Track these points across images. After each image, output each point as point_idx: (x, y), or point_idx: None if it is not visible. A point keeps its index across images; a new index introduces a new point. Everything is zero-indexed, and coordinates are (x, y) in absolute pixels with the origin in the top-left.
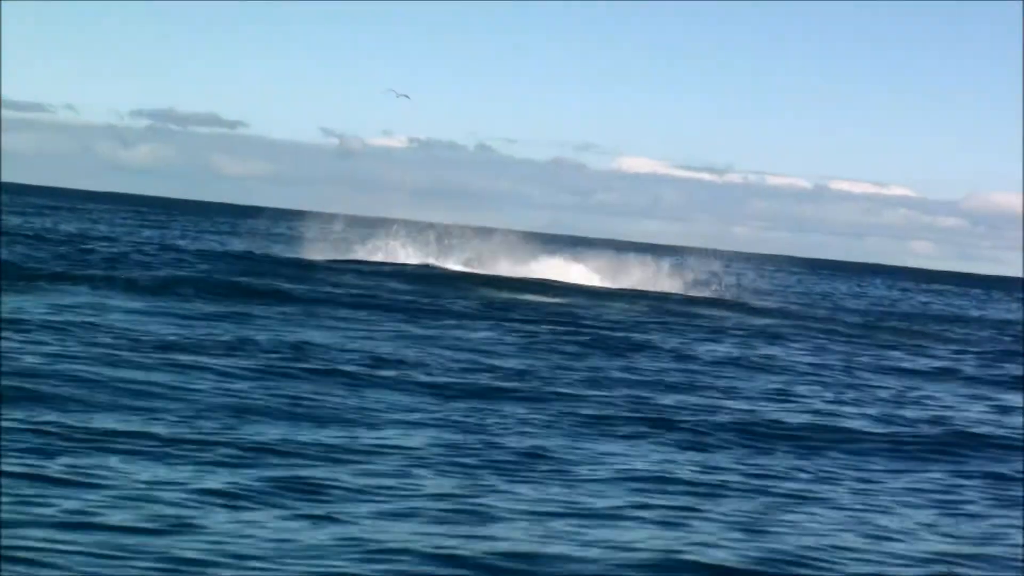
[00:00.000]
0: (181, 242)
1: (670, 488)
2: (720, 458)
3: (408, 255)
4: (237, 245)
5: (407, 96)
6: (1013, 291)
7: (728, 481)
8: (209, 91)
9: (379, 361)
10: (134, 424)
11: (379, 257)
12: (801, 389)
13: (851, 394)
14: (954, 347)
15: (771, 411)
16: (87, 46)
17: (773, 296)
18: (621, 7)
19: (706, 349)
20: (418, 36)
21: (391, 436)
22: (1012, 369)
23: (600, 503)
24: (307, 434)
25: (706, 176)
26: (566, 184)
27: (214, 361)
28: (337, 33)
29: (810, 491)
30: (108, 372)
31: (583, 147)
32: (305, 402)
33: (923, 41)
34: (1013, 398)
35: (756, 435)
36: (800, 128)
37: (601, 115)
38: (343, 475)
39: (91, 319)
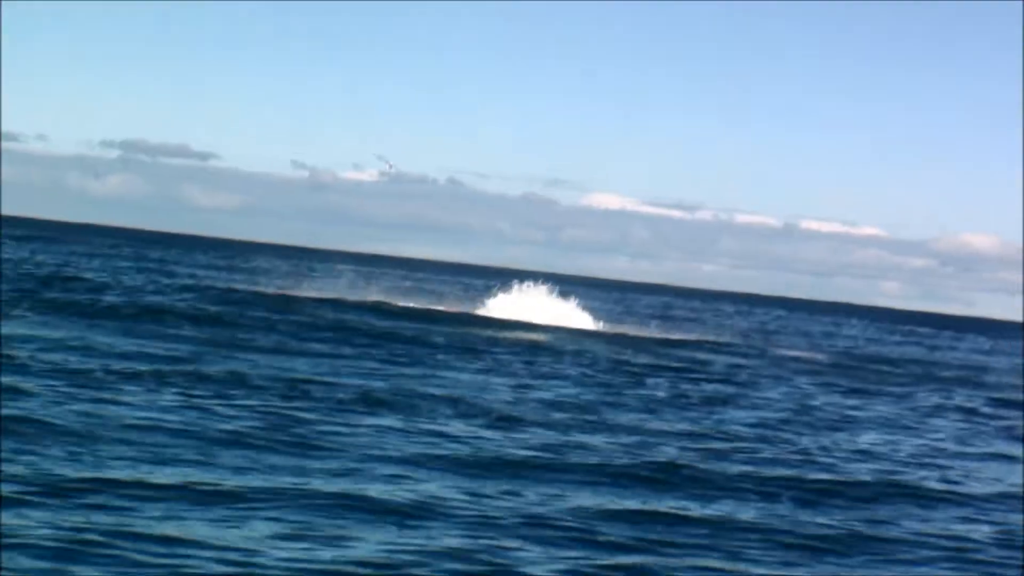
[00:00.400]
0: (159, 275)
1: (689, 540)
2: (734, 506)
3: (379, 291)
4: (216, 277)
5: (394, 169)
6: (986, 332)
7: (749, 529)
8: (180, 122)
9: (375, 401)
10: (144, 471)
11: (355, 294)
12: (791, 431)
13: (841, 435)
14: (949, 393)
15: (772, 458)
16: (58, 75)
17: (752, 336)
18: (593, 44)
19: (698, 391)
20: (389, 69)
21: (403, 482)
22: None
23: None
24: (319, 480)
25: (676, 213)
26: (536, 220)
27: (214, 399)
28: (307, 65)
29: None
30: (112, 411)
31: (553, 183)
32: (312, 445)
33: (893, 82)
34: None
35: (763, 481)
36: (771, 166)
37: (572, 151)
38: (363, 529)
39: (83, 352)
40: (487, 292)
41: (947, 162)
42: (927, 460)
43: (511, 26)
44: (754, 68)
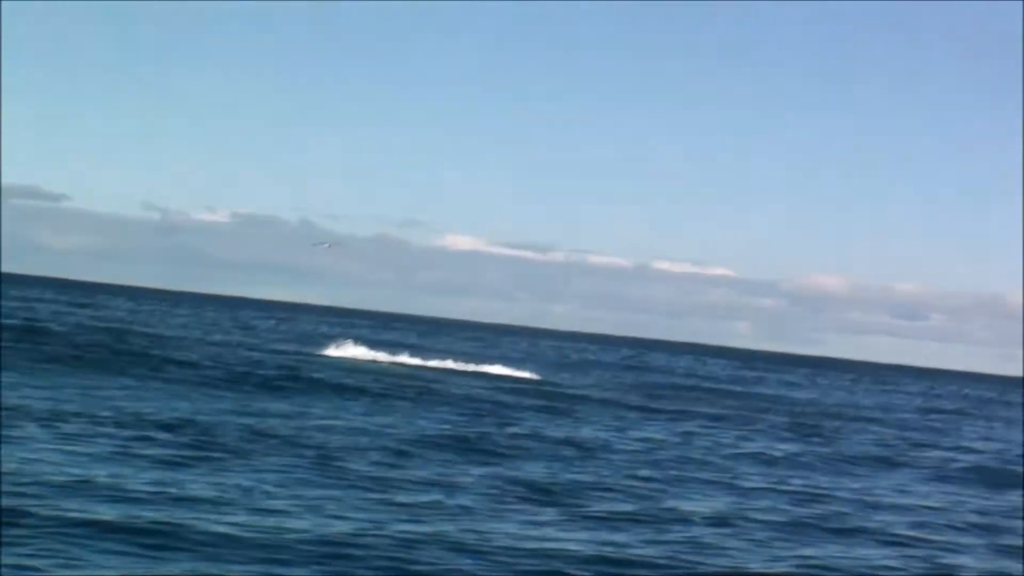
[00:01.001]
0: (23, 312)
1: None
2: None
3: (243, 332)
4: (79, 314)
5: (341, 244)
6: (839, 372)
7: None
8: (30, 163)
9: (276, 440)
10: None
11: (221, 333)
12: (673, 467)
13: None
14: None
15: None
16: None
17: (621, 375)
18: (444, 85)
19: (578, 431)
20: (239, 109)
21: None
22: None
23: None
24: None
25: (529, 254)
26: (389, 261)
27: (95, 435)
28: (156, 105)
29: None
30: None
31: (407, 224)
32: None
33: (740, 123)
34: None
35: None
36: (623, 208)
37: (426, 192)
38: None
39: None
40: (348, 331)
41: (796, 202)
42: (804, 493)
43: (359, 63)
44: (600, 107)
